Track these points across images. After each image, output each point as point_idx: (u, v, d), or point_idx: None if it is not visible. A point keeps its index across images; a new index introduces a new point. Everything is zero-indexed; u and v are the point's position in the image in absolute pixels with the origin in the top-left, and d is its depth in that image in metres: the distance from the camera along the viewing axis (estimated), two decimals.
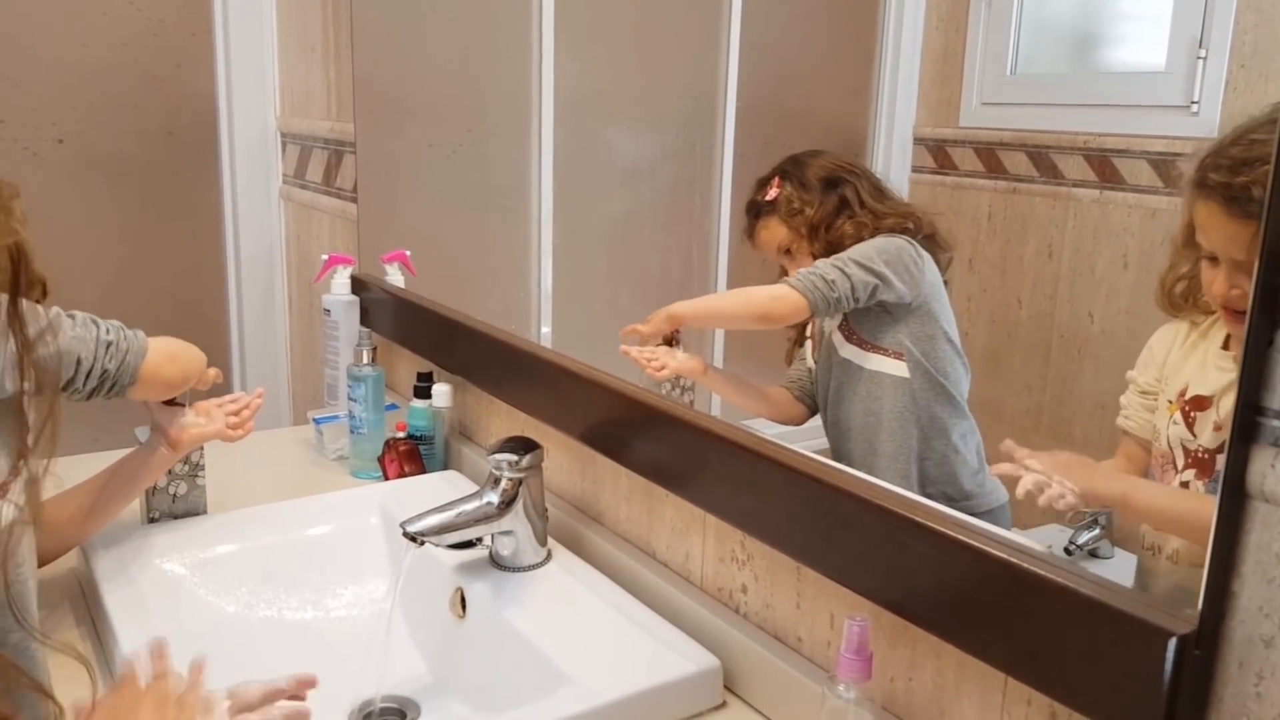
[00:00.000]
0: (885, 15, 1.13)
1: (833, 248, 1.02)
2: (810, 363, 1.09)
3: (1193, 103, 0.81)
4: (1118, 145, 0.88)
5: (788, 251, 1.08)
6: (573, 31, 1.38)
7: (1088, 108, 0.96)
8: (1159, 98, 0.86)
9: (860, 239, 1.01)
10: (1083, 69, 1.01)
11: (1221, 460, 0.63)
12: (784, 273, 1.08)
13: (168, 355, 0.97)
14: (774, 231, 1.09)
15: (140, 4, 1.79)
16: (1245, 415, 0.51)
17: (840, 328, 1.02)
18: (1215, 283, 0.64)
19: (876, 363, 0.99)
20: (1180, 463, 0.68)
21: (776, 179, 1.08)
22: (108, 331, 0.90)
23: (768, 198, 1.08)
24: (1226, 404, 0.63)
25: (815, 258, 1.03)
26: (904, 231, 1.01)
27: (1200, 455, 0.67)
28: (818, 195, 1.06)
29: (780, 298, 1.00)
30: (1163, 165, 0.84)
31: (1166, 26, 0.85)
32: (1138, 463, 0.73)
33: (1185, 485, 0.68)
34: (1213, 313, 0.67)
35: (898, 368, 0.97)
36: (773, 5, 1.29)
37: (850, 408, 1.01)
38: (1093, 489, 0.72)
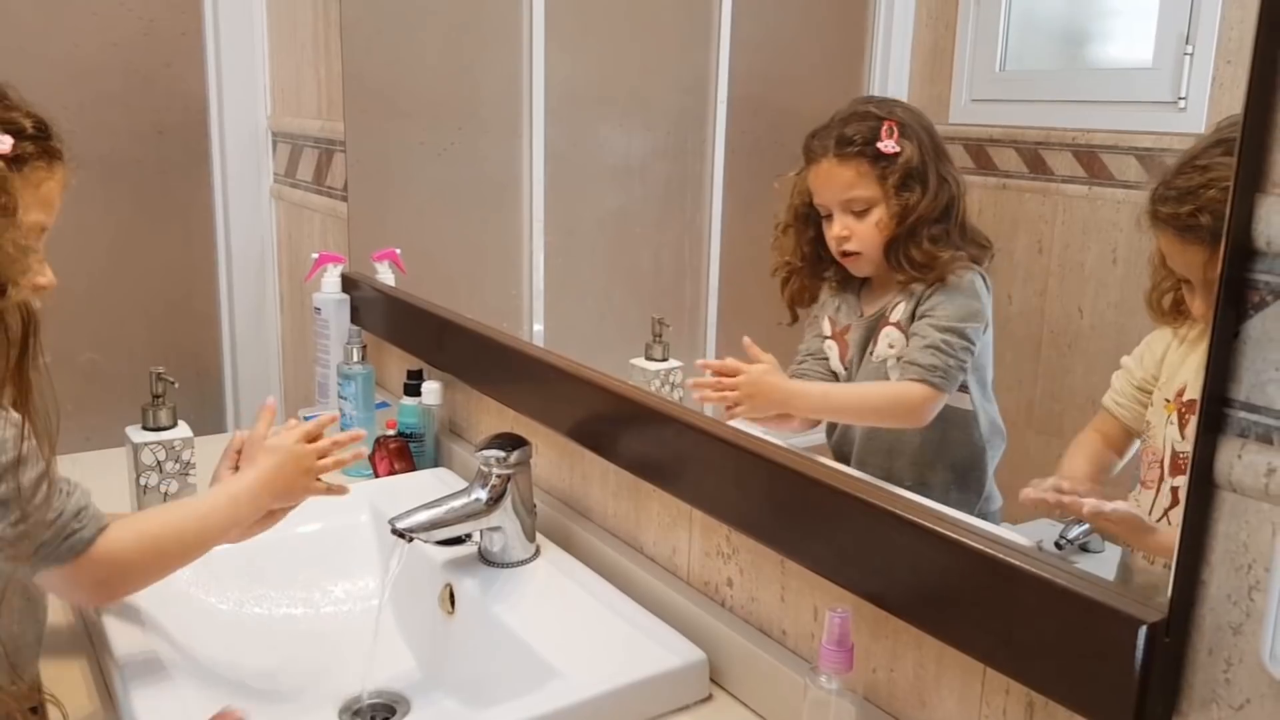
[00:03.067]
0: (875, 12, 1.14)
1: (912, 250, 0.90)
2: (836, 366, 0.99)
3: (1180, 98, 0.82)
4: (1106, 141, 0.89)
5: (856, 211, 0.92)
6: (563, 29, 1.38)
7: (1076, 104, 0.96)
8: (1146, 94, 0.87)
9: (945, 265, 0.89)
10: (1071, 65, 1.01)
11: None
12: (808, 215, 0.96)
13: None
14: (862, 182, 0.91)
15: (130, 3, 1.79)
16: (1212, 407, 0.51)
17: (899, 360, 0.92)
18: (1195, 304, 0.65)
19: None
20: (1168, 465, 0.69)
21: (897, 129, 0.90)
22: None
23: (884, 147, 0.90)
24: None
25: (885, 241, 0.91)
26: (977, 262, 0.90)
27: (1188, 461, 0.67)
28: (934, 185, 0.90)
29: (928, 402, 0.88)
30: (1150, 161, 0.84)
31: (1153, 23, 0.86)
32: (1112, 442, 0.73)
33: (1174, 490, 0.69)
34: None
35: (962, 400, 0.90)
36: (763, 2, 1.30)
37: (905, 434, 0.93)
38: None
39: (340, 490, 0.98)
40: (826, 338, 1.00)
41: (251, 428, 0.96)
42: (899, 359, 0.91)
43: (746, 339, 0.94)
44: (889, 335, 0.93)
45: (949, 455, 0.92)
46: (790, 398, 0.95)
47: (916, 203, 0.90)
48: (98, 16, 1.77)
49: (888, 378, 0.93)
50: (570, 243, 1.44)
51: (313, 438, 0.95)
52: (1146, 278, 0.72)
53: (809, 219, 0.97)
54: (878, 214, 0.91)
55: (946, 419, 0.90)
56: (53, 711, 0.71)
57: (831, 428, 1.00)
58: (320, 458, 0.94)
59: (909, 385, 0.89)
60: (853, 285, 0.99)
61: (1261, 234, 0.49)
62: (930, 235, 0.90)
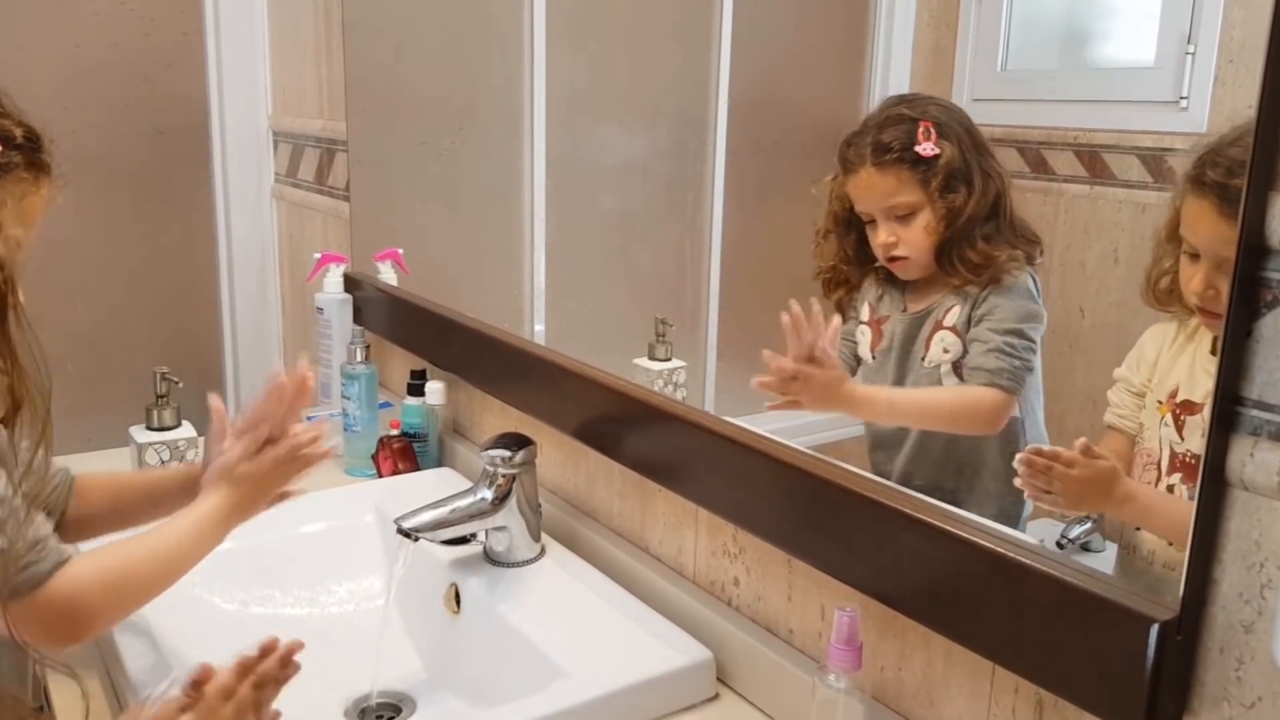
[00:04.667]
0: (876, 12, 1.14)
1: (966, 251, 0.87)
2: (864, 353, 0.97)
3: (1182, 98, 0.82)
4: (1108, 141, 0.89)
5: (900, 216, 0.89)
6: (564, 29, 1.38)
7: (1078, 103, 0.96)
8: (1148, 93, 0.87)
9: (1001, 265, 0.87)
10: (1073, 65, 1.01)
11: None
12: (849, 221, 0.94)
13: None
14: (904, 189, 0.89)
15: (131, 4, 1.79)
16: (1224, 405, 0.52)
17: (954, 367, 0.90)
18: (1193, 279, 0.64)
19: None
20: (1165, 465, 0.69)
21: (934, 130, 0.88)
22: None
23: (923, 151, 0.88)
24: None
25: (934, 244, 0.89)
26: (1029, 260, 0.88)
27: (1187, 459, 0.67)
28: (979, 183, 0.87)
29: (999, 407, 0.85)
30: (1152, 160, 0.84)
31: (1155, 22, 0.86)
32: (1123, 459, 0.73)
33: (1170, 489, 0.69)
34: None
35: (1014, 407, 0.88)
36: (764, 2, 1.30)
37: (960, 440, 0.91)
38: (1105, 512, 0.71)
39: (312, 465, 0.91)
40: (862, 323, 0.98)
41: (207, 440, 0.90)
42: (954, 365, 0.89)
43: (837, 323, 0.91)
44: (943, 339, 0.91)
45: (994, 458, 0.89)
46: (853, 402, 0.93)
47: (964, 204, 0.87)
48: (99, 17, 1.77)
49: (940, 383, 0.91)
50: (571, 243, 1.44)
51: (268, 443, 0.87)
52: (1148, 254, 0.71)
53: (850, 224, 0.95)
54: (924, 218, 0.89)
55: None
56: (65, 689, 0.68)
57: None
58: (285, 476, 0.88)
59: (979, 390, 0.87)
60: (899, 280, 0.96)
61: (1275, 232, 0.49)
62: (983, 234, 0.88)
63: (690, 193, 1.35)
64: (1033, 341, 0.87)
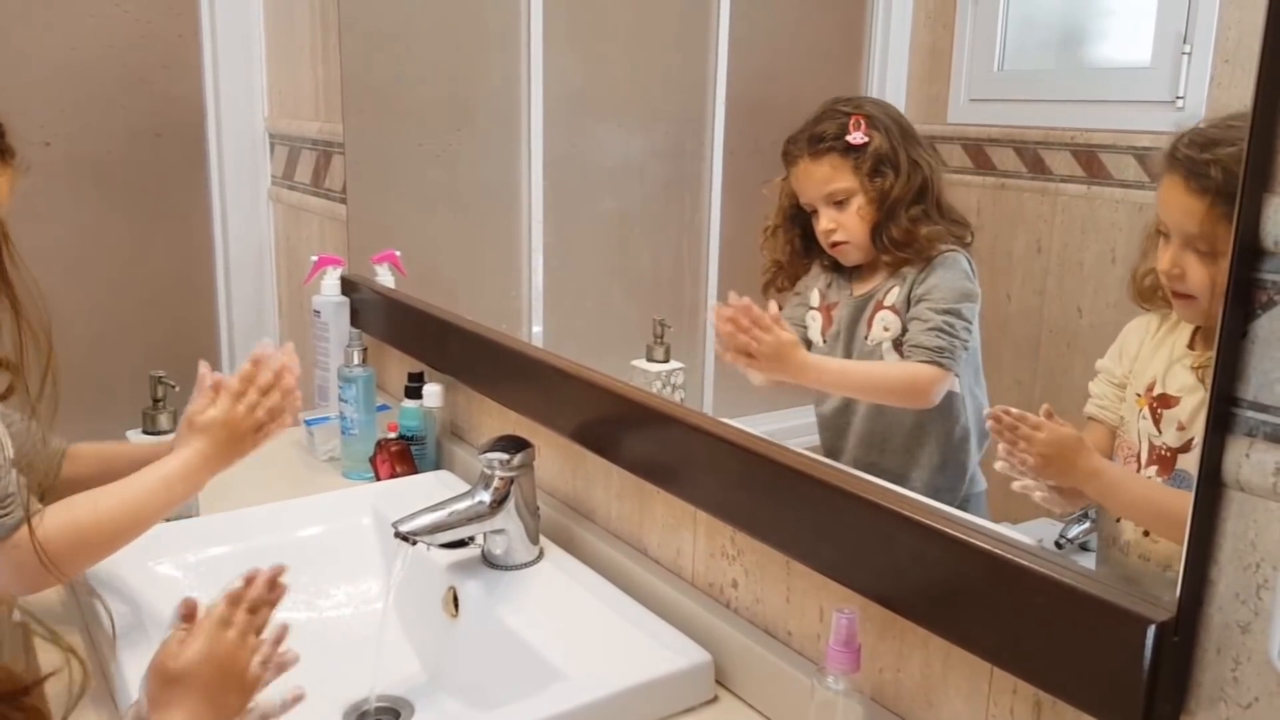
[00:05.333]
0: (873, 12, 1.14)
1: (894, 231, 0.94)
2: (815, 337, 1.03)
3: (1178, 98, 0.82)
4: (1104, 140, 0.89)
5: (838, 203, 0.97)
6: (562, 30, 1.38)
7: (1074, 103, 0.96)
8: (1144, 93, 0.87)
9: (930, 245, 0.94)
10: (1069, 65, 1.02)
11: (1184, 459, 0.64)
12: (795, 215, 1.01)
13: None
14: (838, 175, 0.97)
15: (127, 6, 1.79)
16: (1220, 406, 0.52)
17: (895, 344, 0.96)
18: (1163, 259, 0.65)
19: None
20: (1145, 457, 0.69)
21: (864, 122, 0.96)
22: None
23: (853, 139, 0.95)
24: (1190, 404, 0.65)
25: (869, 228, 0.96)
26: (964, 246, 0.95)
27: (1163, 452, 0.68)
28: (905, 168, 0.95)
29: (935, 382, 0.91)
30: (1149, 160, 0.84)
31: (1151, 22, 0.86)
32: (1103, 451, 0.74)
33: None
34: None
35: (952, 383, 0.94)
36: (761, 2, 1.30)
37: (888, 411, 0.98)
38: (1074, 487, 0.73)
39: (282, 425, 0.96)
40: (812, 308, 1.04)
41: (191, 399, 0.94)
42: (895, 342, 0.95)
43: (774, 308, 0.97)
44: (883, 319, 0.97)
45: (936, 434, 0.95)
46: (806, 369, 0.98)
47: (891, 186, 0.95)
48: (95, 19, 1.77)
49: (882, 359, 0.97)
50: (569, 244, 1.44)
51: (241, 392, 0.93)
52: (1137, 249, 0.73)
53: (796, 219, 1.03)
54: (857, 203, 0.97)
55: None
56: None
57: (823, 397, 1.03)
58: (254, 411, 0.93)
59: (918, 366, 0.92)
60: (845, 267, 1.02)
61: (1270, 234, 0.50)
62: (910, 216, 0.95)
63: (688, 193, 1.35)
64: (969, 321, 0.92)
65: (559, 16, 1.37)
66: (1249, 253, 0.50)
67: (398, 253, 1.48)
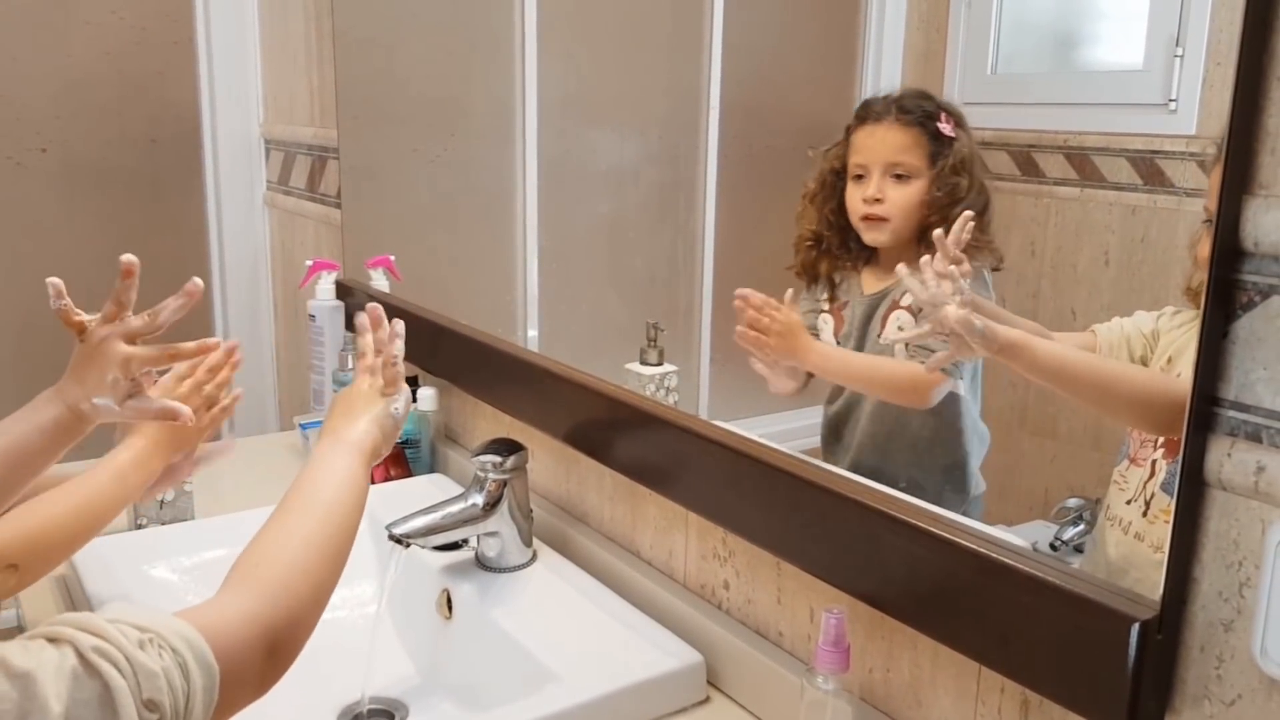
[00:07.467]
0: (867, 16, 1.14)
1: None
2: (829, 339, 1.02)
3: (1170, 100, 0.83)
4: (1097, 143, 0.89)
5: (898, 176, 0.93)
6: (555, 34, 1.39)
7: (1068, 106, 0.97)
8: (1137, 96, 0.87)
9: (973, 255, 0.89)
10: (1062, 68, 1.02)
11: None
12: (837, 184, 0.97)
13: None
14: (914, 150, 0.92)
15: (123, 13, 1.80)
16: (1202, 406, 0.52)
17: (906, 344, 0.95)
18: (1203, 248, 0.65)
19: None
20: (1162, 442, 0.69)
21: (952, 120, 0.93)
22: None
23: (943, 129, 0.92)
24: None
25: (922, 217, 0.92)
26: (990, 267, 0.93)
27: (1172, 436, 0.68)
28: (977, 182, 0.92)
29: (935, 385, 0.91)
30: (1142, 163, 0.85)
31: (1144, 25, 0.87)
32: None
33: (1154, 465, 0.70)
34: None
35: (955, 384, 0.93)
36: (754, 6, 1.30)
37: (899, 412, 0.97)
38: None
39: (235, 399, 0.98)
40: (824, 311, 1.01)
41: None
42: (908, 343, 0.93)
43: (790, 293, 0.97)
44: (898, 318, 0.95)
45: (940, 437, 0.95)
46: (812, 353, 0.98)
47: (964, 191, 0.91)
48: (90, 26, 1.77)
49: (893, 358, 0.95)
50: (564, 248, 1.44)
51: (186, 374, 0.93)
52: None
53: (835, 188, 0.98)
54: (919, 186, 0.92)
55: (942, 402, 0.93)
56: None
57: (833, 397, 1.02)
58: (199, 389, 0.94)
59: (921, 367, 0.90)
60: (856, 262, 1.00)
61: (1249, 235, 0.50)
62: None
63: (682, 197, 1.36)
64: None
65: (553, 21, 1.38)
66: (1229, 254, 0.51)
67: (392, 257, 1.48)
